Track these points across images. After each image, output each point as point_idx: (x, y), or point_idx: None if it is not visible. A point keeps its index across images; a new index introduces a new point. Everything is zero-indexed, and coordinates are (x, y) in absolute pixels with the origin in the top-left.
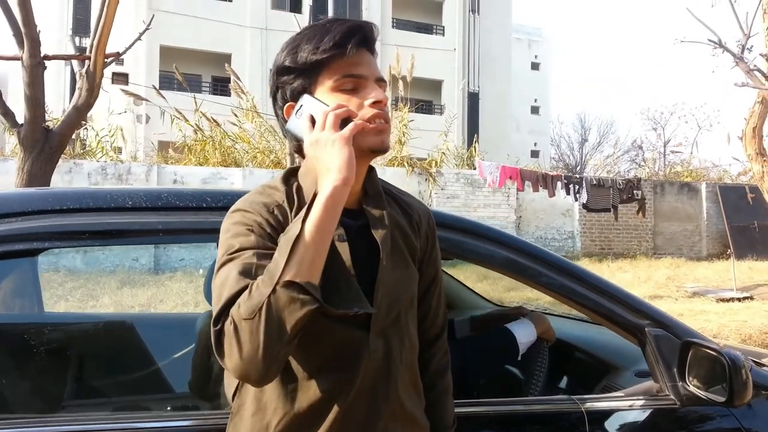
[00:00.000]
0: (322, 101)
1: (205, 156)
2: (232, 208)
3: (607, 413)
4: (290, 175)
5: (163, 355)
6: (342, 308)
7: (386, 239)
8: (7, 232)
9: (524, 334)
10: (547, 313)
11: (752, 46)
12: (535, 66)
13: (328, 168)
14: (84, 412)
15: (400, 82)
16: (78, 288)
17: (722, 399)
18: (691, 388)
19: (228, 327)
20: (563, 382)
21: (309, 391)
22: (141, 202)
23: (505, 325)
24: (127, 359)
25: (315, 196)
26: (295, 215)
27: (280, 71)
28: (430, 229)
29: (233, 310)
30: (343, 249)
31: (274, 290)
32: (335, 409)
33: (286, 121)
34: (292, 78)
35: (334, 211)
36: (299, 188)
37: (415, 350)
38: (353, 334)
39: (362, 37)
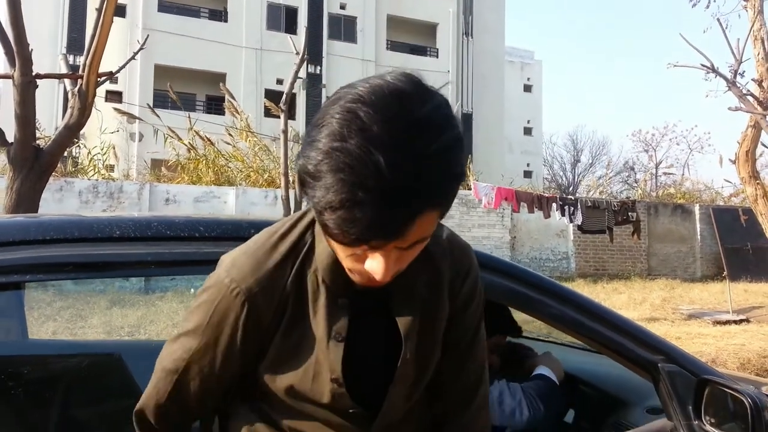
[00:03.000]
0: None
1: (198, 174)
2: (216, 274)
3: None
4: (310, 227)
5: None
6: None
7: (412, 329)
8: None
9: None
10: (548, 341)
11: (744, 71)
12: (527, 88)
13: None
14: None
15: None
16: (67, 308)
17: None
18: (708, 428)
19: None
20: (569, 416)
21: None
22: (129, 231)
23: (544, 375)
24: (112, 390)
25: None
26: (295, 298)
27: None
28: (470, 285)
29: None
30: (335, 351)
31: None
32: None
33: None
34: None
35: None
36: (310, 250)
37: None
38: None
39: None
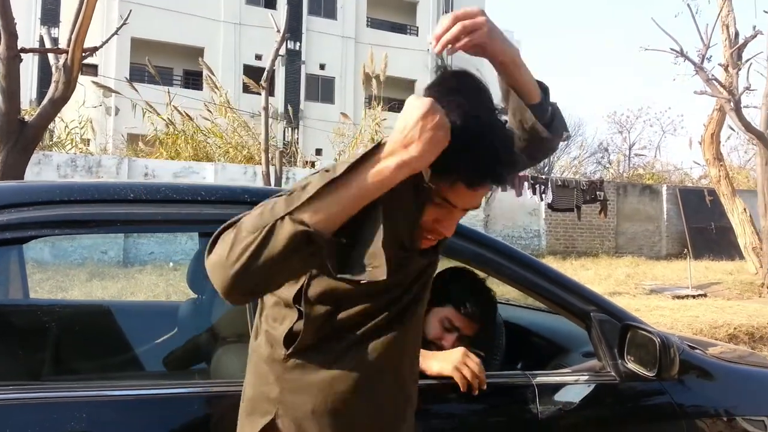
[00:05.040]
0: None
1: (177, 150)
2: None
3: (556, 387)
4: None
5: (139, 337)
6: (349, 273)
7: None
8: (22, 219)
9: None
10: (509, 304)
11: (711, 56)
12: None
13: (412, 135)
14: (60, 382)
15: (374, 81)
16: (47, 279)
17: (653, 373)
18: (629, 365)
19: (229, 233)
20: (519, 366)
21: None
22: (141, 194)
23: None
24: (105, 340)
25: (377, 146)
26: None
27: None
28: None
29: (242, 222)
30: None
31: (283, 217)
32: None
33: None
34: None
35: (385, 182)
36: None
37: None
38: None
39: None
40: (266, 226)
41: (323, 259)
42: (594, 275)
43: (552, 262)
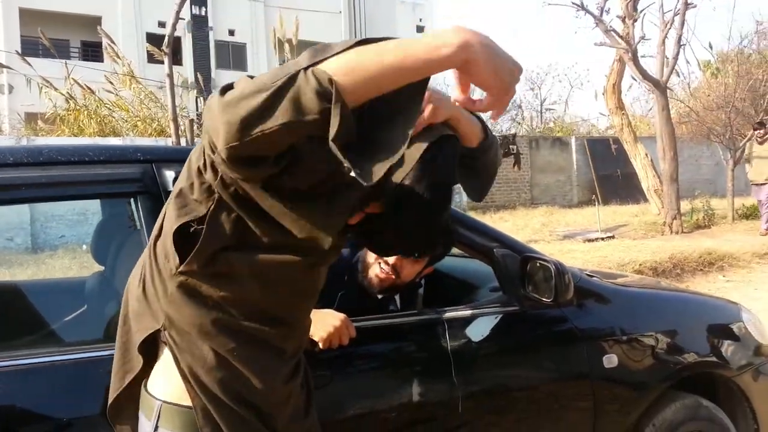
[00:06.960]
0: None
1: (80, 126)
2: None
3: (465, 321)
4: None
5: (48, 314)
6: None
7: None
8: None
9: None
10: None
11: (609, 9)
12: (419, 29)
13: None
14: None
15: (286, 45)
16: None
17: (550, 298)
18: (530, 294)
19: (243, 82)
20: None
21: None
22: (23, 158)
23: None
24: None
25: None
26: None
27: None
28: None
29: (262, 74)
30: None
31: (308, 68)
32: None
33: None
34: None
35: (427, 66)
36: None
37: None
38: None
39: None
40: (288, 74)
41: (327, 133)
42: (512, 226)
43: (473, 216)
